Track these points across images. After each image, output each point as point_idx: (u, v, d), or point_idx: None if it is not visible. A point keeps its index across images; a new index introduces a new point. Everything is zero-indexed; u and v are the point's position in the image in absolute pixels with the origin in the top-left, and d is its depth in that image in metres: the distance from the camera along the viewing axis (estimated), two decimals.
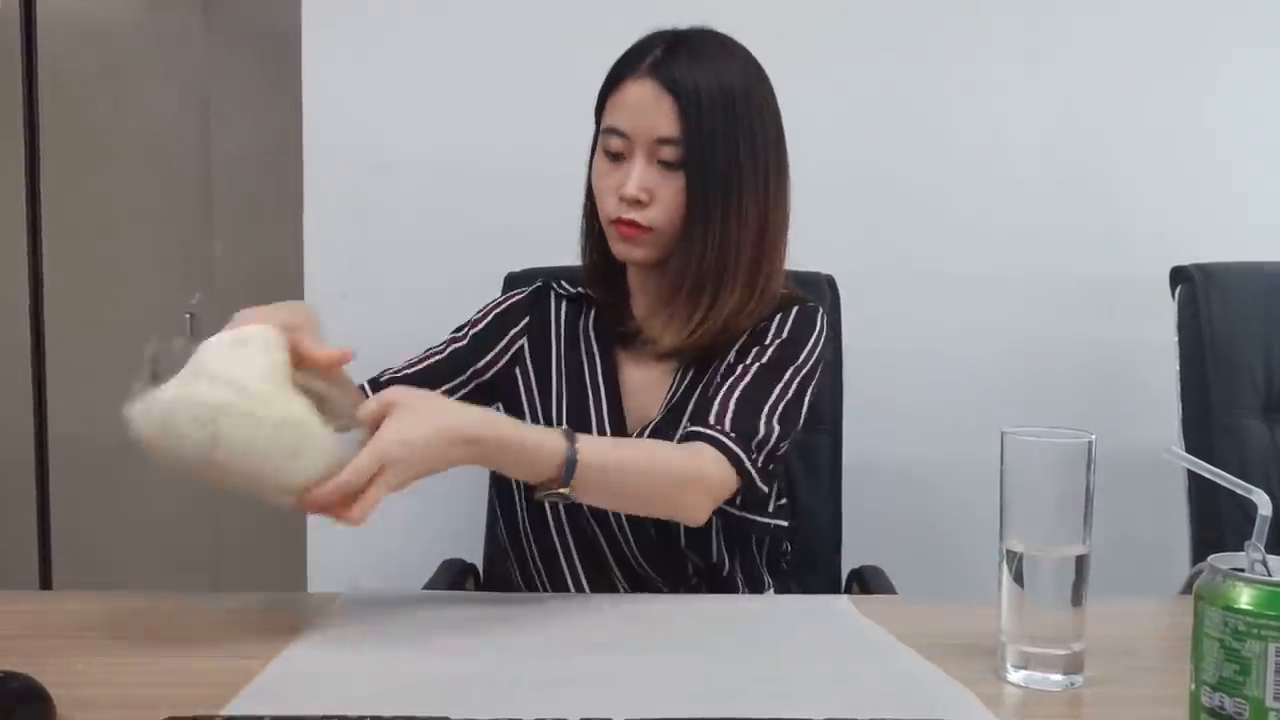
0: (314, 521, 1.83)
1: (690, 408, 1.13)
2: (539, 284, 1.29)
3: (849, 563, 1.38)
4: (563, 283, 1.27)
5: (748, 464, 1.04)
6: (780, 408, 1.09)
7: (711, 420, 1.06)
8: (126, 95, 2.54)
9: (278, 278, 2.30)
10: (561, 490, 0.95)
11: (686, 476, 1.01)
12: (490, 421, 0.93)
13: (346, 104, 1.79)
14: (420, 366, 1.21)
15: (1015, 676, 0.82)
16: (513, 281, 1.50)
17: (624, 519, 1.13)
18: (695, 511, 1.03)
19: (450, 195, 1.80)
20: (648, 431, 1.16)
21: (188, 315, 2.54)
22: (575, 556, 1.16)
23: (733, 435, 1.04)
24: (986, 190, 1.82)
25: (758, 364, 1.12)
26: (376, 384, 1.18)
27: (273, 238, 2.35)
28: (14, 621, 0.96)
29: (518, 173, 1.79)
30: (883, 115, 1.80)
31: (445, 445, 0.89)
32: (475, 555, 1.47)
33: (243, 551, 2.56)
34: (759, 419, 1.07)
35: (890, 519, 1.61)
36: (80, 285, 2.54)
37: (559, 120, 1.79)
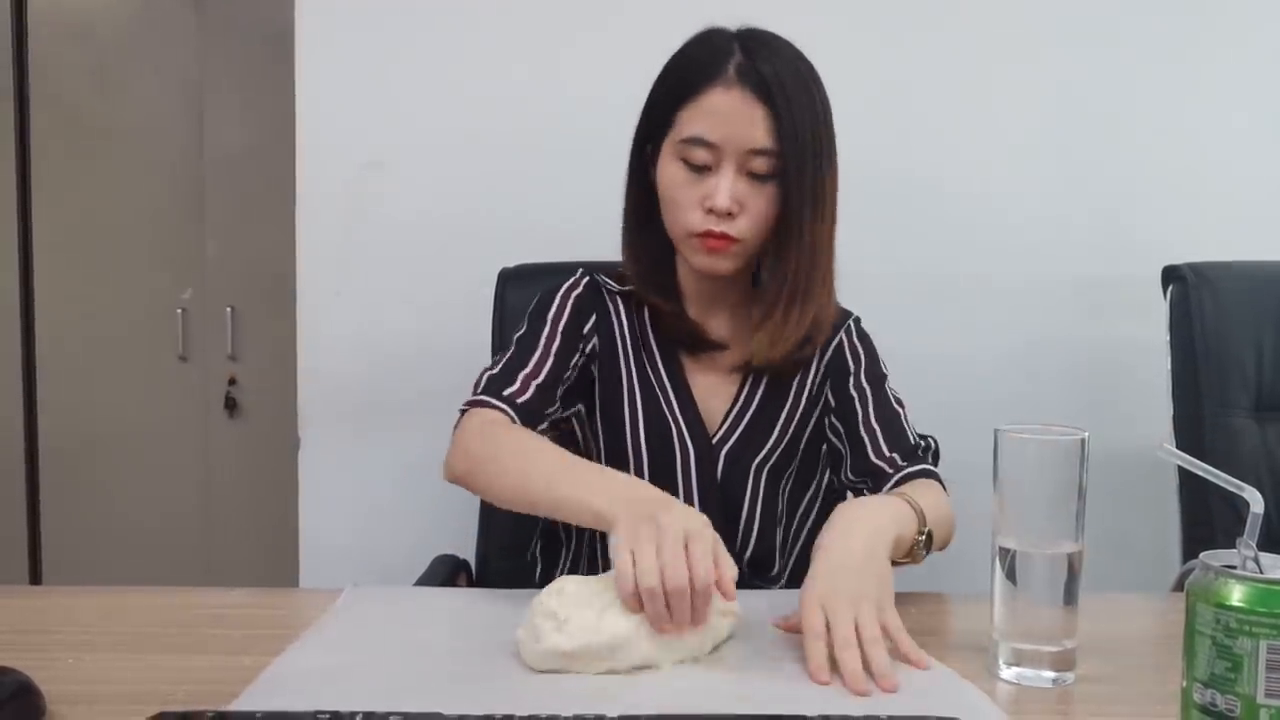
0: (306, 517, 1.83)
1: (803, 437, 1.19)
2: (586, 276, 1.21)
3: None
4: (606, 278, 1.21)
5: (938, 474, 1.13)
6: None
7: (888, 470, 1.11)
8: (118, 92, 2.53)
9: (270, 275, 2.30)
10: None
11: (950, 520, 1.07)
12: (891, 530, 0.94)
13: (339, 102, 1.79)
14: (545, 372, 1.12)
15: (1007, 673, 0.83)
16: (506, 278, 1.50)
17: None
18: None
19: (443, 193, 1.80)
20: (732, 440, 1.15)
21: (179, 311, 2.54)
22: None
23: (923, 460, 1.12)
24: (979, 191, 1.82)
25: (870, 392, 1.17)
26: (507, 400, 1.09)
27: (265, 235, 2.35)
28: (4, 617, 0.95)
29: (510, 170, 1.79)
30: (876, 117, 1.80)
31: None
32: (467, 551, 1.47)
33: (234, 547, 2.55)
34: (914, 438, 1.16)
35: None
36: (72, 282, 2.54)
37: (552, 118, 1.80)
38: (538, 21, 1.78)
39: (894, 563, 0.95)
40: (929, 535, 0.98)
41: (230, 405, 2.56)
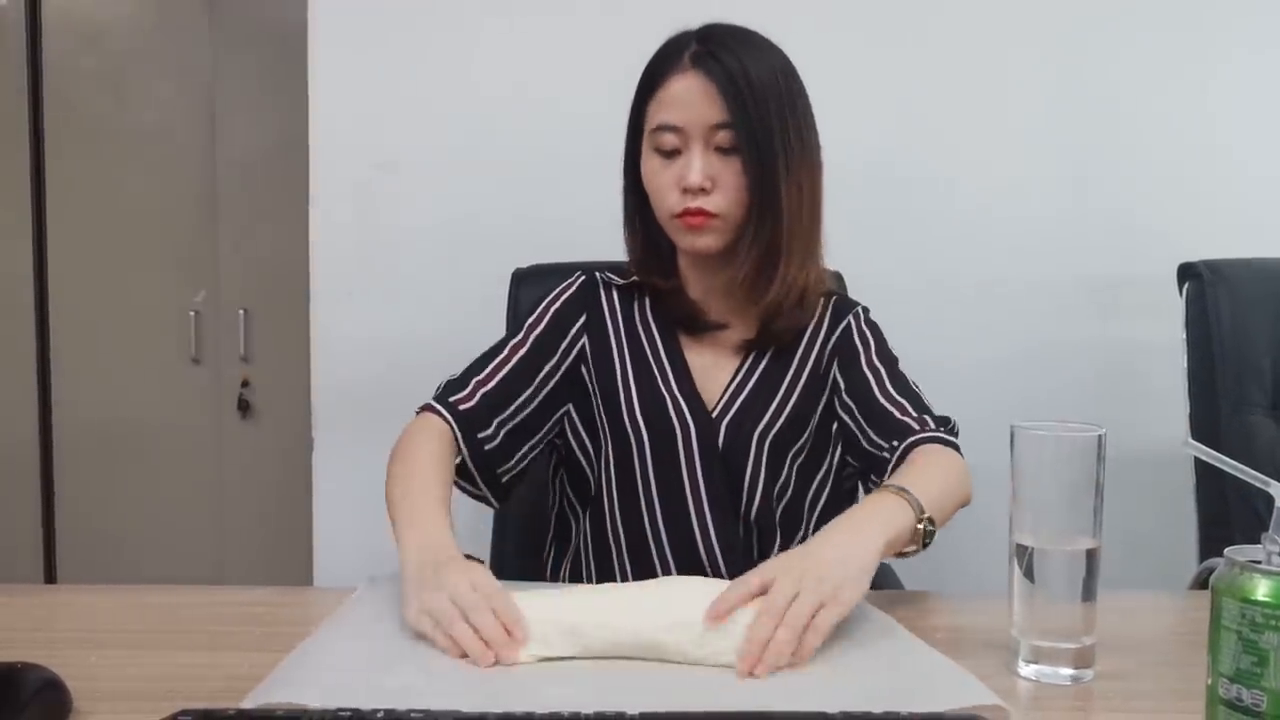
0: (320, 518, 1.83)
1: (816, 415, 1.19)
2: (583, 276, 1.26)
3: None
4: (609, 273, 1.26)
5: (958, 443, 1.12)
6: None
7: (916, 427, 1.11)
8: (131, 94, 2.54)
9: (283, 276, 2.31)
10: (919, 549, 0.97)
11: (964, 480, 1.07)
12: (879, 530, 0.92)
13: (352, 103, 1.79)
14: (497, 380, 1.16)
15: (1027, 671, 0.83)
16: (520, 279, 1.50)
17: (711, 526, 1.15)
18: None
19: (456, 194, 1.80)
20: (733, 411, 1.16)
21: (192, 313, 2.55)
22: (668, 553, 1.17)
23: (941, 430, 1.11)
24: (992, 190, 1.82)
25: (884, 371, 1.18)
26: (450, 406, 1.13)
27: (278, 236, 2.36)
28: (27, 615, 0.96)
29: (523, 170, 1.79)
30: (887, 115, 1.80)
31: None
32: (483, 552, 1.47)
33: (247, 549, 2.56)
34: (930, 407, 1.15)
35: None
36: (86, 283, 2.55)
37: (564, 119, 1.81)
38: (550, 25, 1.78)
39: (901, 553, 0.96)
40: (929, 522, 0.97)
41: (243, 407, 2.57)
